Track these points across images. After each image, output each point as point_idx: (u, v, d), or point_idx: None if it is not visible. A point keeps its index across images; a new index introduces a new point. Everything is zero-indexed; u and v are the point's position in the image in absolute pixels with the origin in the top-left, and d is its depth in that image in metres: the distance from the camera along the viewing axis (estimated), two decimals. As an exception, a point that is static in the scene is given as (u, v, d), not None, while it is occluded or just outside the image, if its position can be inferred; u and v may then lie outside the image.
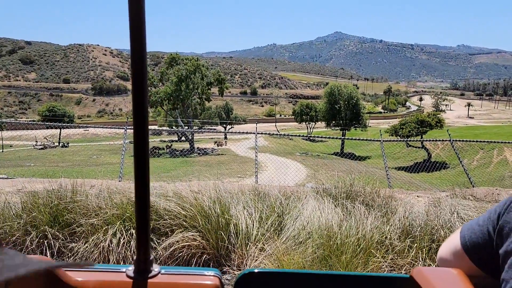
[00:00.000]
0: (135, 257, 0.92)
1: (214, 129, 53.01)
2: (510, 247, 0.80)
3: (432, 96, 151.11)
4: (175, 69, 38.72)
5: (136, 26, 0.81)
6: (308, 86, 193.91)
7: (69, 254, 3.60)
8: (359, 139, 12.33)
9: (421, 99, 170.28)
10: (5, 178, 8.88)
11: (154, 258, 0.96)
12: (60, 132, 45.11)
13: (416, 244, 3.69)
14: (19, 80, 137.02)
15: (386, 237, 3.70)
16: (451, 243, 1.00)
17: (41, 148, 36.56)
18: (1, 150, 33.12)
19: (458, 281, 0.90)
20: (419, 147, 32.47)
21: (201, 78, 39.23)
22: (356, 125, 48.68)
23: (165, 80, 40.53)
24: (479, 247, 0.91)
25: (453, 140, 10.91)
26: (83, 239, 3.70)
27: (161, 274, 0.91)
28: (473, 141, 13.49)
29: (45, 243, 3.65)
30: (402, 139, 22.46)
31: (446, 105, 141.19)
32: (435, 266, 1.38)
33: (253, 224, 3.81)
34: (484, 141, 13.96)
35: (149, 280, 0.89)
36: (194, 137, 40.56)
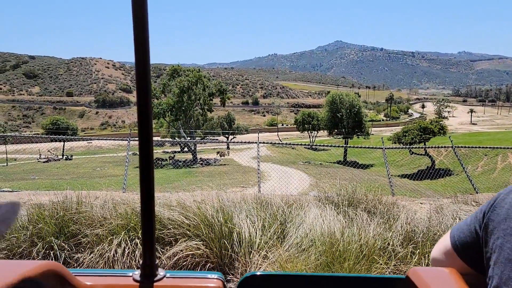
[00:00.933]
0: (141, 262, 0.95)
1: (217, 140, 53.11)
2: (495, 245, 0.83)
3: (434, 103, 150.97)
4: (177, 80, 38.96)
5: (140, 39, 0.86)
6: (310, 95, 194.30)
7: (75, 265, 3.64)
8: (361, 147, 12.34)
9: (423, 106, 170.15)
10: (10, 192, 8.94)
11: (159, 263, 0.99)
12: (63, 145, 45.26)
13: (418, 250, 3.70)
14: (23, 94, 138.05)
15: (388, 244, 3.71)
16: (442, 244, 1.03)
17: (45, 161, 36.69)
18: (6, 164, 33.26)
19: (453, 280, 0.93)
20: (422, 154, 32.35)
21: (203, 89, 39.45)
22: (358, 133, 48.57)
23: (167, 92, 40.76)
24: (467, 246, 0.94)
25: (455, 147, 10.91)
26: (89, 250, 3.74)
27: (166, 277, 0.95)
28: (476, 147, 13.46)
29: (51, 254, 3.70)
30: (404, 147, 22.43)
31: (448, 111, 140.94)
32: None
33: (256, 232, 3.84)
34: (487, 147, 13.90)
35: (155, 284, 0.93)
36: (197, 148, 40.63)
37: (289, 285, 1.02)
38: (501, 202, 0.88)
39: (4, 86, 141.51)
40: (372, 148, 12.59)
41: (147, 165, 0.92)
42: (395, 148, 18.90)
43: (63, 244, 3.79)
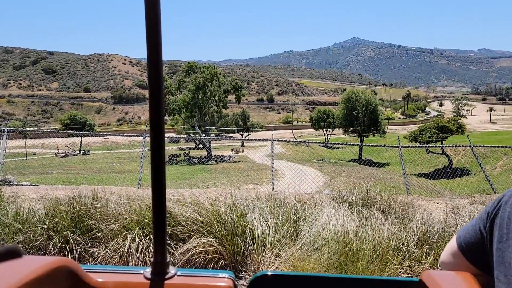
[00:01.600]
0: (152, 260, 0.96)
1: (231, 137, 53.30)
2: (497, 247, 0.84)
3: (452, 101, 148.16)
4: (192, 77, 39.18)
5: (153, 36, 0.86)
6: (325, 93, 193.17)
7: (90, 259, 3.71)
8: (377, 146, 12.20)
9: (441, 105, 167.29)
10: (29, 185, 9.15)
11: (170, 261, 1.00)
12: (81, 140, 46.05)
13: (434, 251, 3.66)
14: (42, 90, 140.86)
15: (403, 244, 3.67)
16: (450, 246, 1.04)
17: (63, 156, 37.41)
18: (25, 158, 34.02)
19: (468, 284, 0.91)
20: (439, 153, 31.85)
21: (218, 85, 39.58)
22: (374, 132, 48.12)
23: (182, 88, 41.02)
24: (473, 247, 0.95)
25: (473, 146, 10.71)
26: (103, 244, 3.80)
27: (177, 275, 0.95)
28: (495, 146, 13.19)
29: (67, 248, 3.77)
30: (421, 145, 22.11)
31: (467, 110, 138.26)
32: None
33: (269, 230, 3.84)
34: (506, 147, 13.61)
35: (165, 282, 0.93)
36: (212, 145, 40.81)
37: (300, 285, 1.01)
38: (504, 204, 0.87)
39: (24, 82, 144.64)
40: (388, 146, 12.44)
41: (158, 161, 0.92)
42: (412, 146, 18.64)
43: (79, 238, 3.86)
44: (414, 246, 3.71)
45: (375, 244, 3.50)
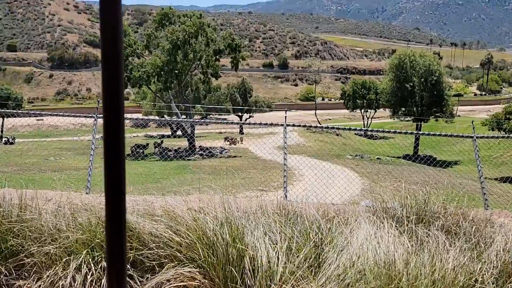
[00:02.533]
0: None
1: (225, 119, 53.33)
2: None
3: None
4: (168, 30, 39.11)
5: None
6: (365, 55, 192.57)
7: (15, 296, 3.74)
8: (441, 135, 12.18)
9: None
10: None
11: None
12: (2, 122, 46.18)
13: (523, 291, 3.68)
14: None
15: (476, 280, 3.69)
16: None
17: (-24, 146, 37.57)
18: None
19: None
20: (533, 148, 31.77)
21: (206, 43, 39.50)
22: (437, 114, 47.99)
23: (153, 47, 40.99)
24: None
25: None
26: (35, 275, 3.83)
27: None
28: None
29: (-19, 280, 3.80)
30: (507, 135, 22.03)
31: None
32: None
33: (278, 258, 3.86)
34: None
35: None
36: (196, 131, 40.89)
37: None
38: None
39: None
40: (458, 136, 12.40)
41: (114, 154, 0.93)
42: (493, 137, 18.56)
43: (-1, 266, 3.88)
44: (493, 283, 3.73)
45: (435, 279, 3.53)
